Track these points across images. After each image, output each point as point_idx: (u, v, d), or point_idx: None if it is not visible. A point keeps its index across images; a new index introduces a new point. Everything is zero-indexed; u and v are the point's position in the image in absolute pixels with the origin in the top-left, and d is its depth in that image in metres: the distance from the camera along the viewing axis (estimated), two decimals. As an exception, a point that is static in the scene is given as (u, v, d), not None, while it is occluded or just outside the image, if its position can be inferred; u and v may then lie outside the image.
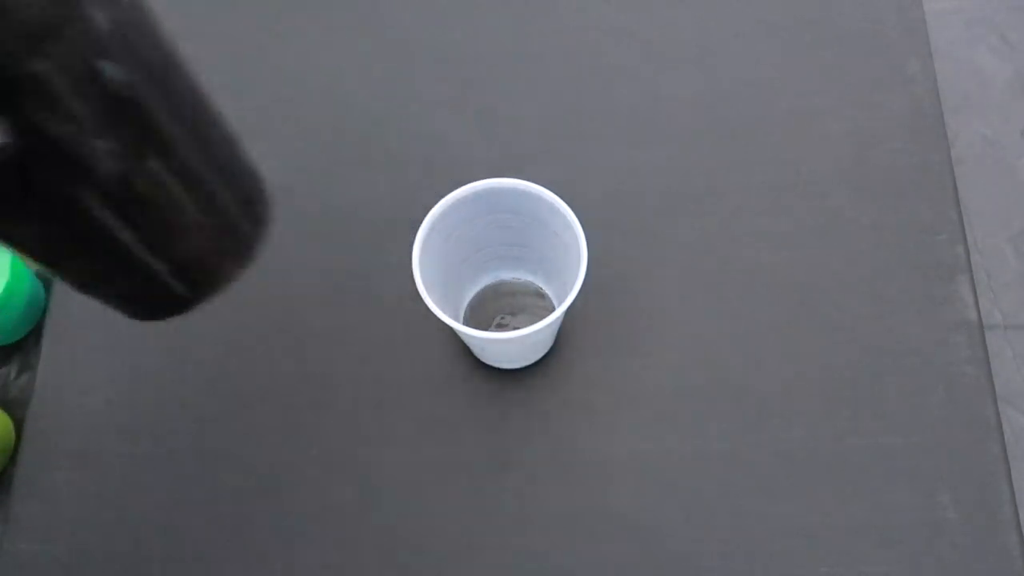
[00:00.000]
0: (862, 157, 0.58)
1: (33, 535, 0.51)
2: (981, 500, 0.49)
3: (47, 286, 0.59)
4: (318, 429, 0.53)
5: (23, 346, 0.58)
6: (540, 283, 0.54)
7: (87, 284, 0.33)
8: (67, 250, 0.30)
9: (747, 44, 0.62)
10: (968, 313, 0.54)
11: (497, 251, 0.52)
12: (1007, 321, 0.69)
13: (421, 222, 0.46)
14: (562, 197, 0.46)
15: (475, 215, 0.48)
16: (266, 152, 0.60)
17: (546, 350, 0.53)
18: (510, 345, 0.49)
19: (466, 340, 0.51)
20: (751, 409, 0.52)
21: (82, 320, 0.56)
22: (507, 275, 0.55)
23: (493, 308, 0.54)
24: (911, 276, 0.55)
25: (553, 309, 0.53)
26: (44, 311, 0.58)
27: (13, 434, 0.54)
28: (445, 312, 0.44)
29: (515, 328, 0.44)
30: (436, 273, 0.47)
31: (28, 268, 0.58)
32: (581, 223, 0.45)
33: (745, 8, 0.63)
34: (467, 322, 0.54)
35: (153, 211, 0.30)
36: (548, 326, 0.45)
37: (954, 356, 0.53)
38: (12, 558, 0.50)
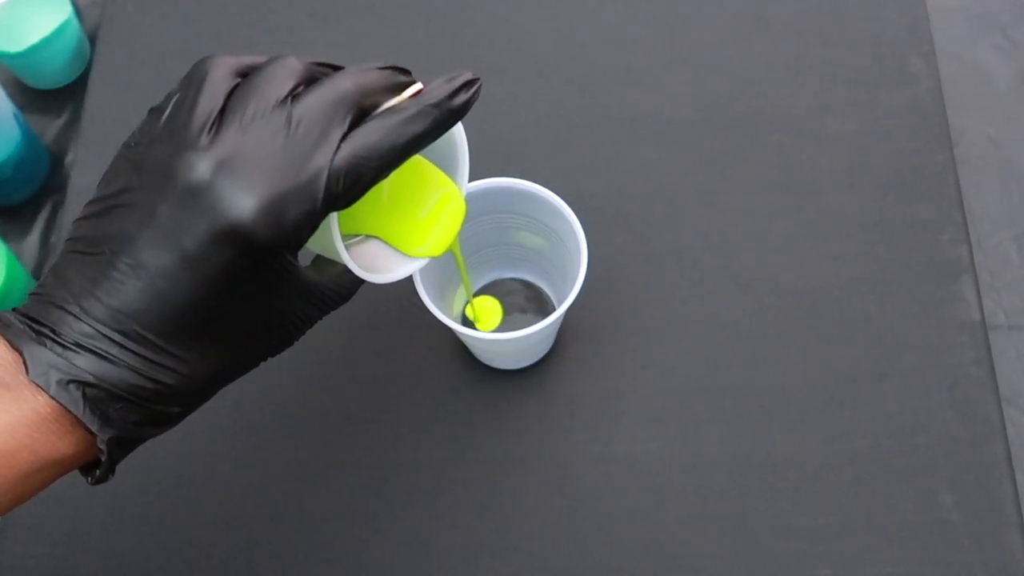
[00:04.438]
0: (864, 156, 0.58)
1: (32, 537, 0.51)
2: (984, 501, 0.49)
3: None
4: (317, 429, 0.53)
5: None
6: (540, 283, 0.54)
7: None
8: None
9: (748, 43, 0.61)
10: (971, 313, 0.53)
11: (497, 251, 0.52)
12: (1011, 321, 0.69)
13: (420, 222, 0.45)
14: (562, 197, 0.46)
15: (475, 215, 0.48)
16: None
17: (546, 350, 0.53)
18: (510, 345, 0.49)
19: (466, 340, 0.50)
20: (752, 409, 0.52)
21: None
22: (507, 275, 0.54)
23: (493, 308, 0.54)
24: (914, 276, 0.54)
25: (553, 309, 0.53)
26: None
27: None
28: (445, 312, 0.44)
29: (515, 328, 0.44)
30: (436, 273, 0.47)
31: (24, 267, 0.58)
32: (581, 223, 0.45)
33: (746, 7, 0.62)
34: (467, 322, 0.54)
35: None
36: (548, 326, 0.45)
37: (957, 356, 0.52)
38: (10, 561, 0.50)
